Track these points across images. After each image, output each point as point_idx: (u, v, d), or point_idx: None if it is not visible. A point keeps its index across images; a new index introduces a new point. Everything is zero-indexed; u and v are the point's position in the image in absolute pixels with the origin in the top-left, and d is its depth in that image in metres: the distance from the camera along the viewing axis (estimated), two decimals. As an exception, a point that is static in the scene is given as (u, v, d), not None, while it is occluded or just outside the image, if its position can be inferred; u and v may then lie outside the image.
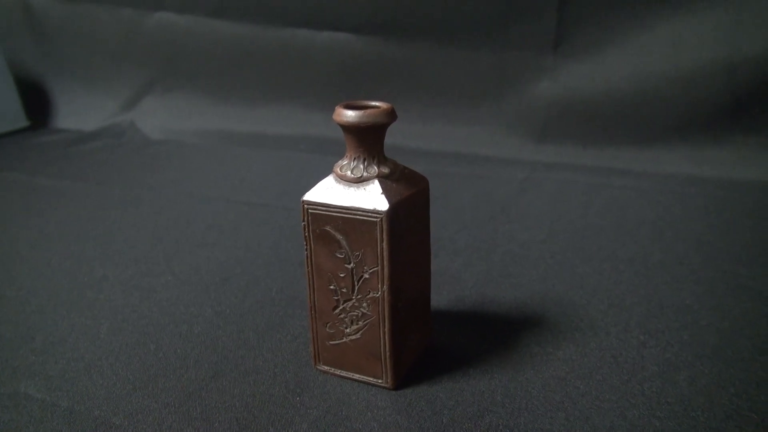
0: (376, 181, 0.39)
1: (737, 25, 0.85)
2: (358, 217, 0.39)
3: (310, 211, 0.40)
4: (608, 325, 0.50)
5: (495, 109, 1.01)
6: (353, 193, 0.39)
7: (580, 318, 0.51)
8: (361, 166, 0.40)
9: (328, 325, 0.43)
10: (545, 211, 0.75)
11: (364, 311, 0.41)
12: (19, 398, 0.43)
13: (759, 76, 0.85)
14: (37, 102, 1.30)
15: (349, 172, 0.40)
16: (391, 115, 0.39)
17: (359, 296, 0.41)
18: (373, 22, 1.03)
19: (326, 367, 0.44)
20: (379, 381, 0.43)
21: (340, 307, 0.42)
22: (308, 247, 0.41)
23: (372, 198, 0.38)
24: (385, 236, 0.38)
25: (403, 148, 0.99)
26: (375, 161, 0.40)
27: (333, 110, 0.39)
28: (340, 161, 0.41)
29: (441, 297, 0.55)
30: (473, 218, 0.74)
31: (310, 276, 0.42)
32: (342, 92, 1.08)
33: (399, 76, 1.06)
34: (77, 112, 1.28)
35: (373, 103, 0.40)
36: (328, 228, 0.40)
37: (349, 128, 0.39)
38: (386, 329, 0.41)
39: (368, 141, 0.39)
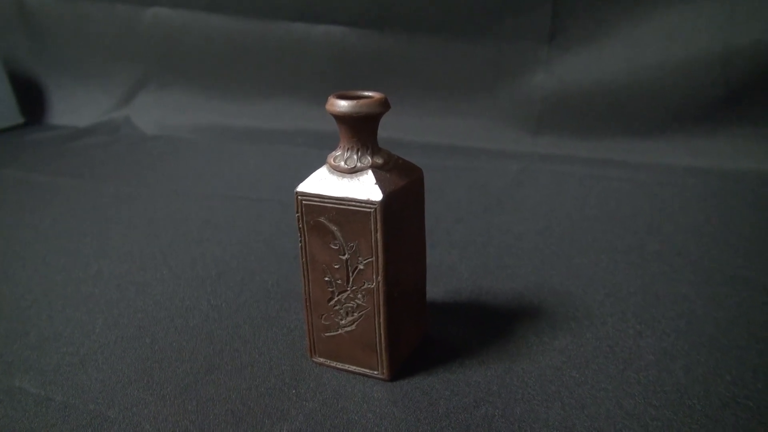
0: (370, 172, 0.39)
1: (731, 15, 0.85)
2: (352, 207, 0.39)
3: (303, 202, 0.40)
4: (604, 315, 0.50)
5: (490, 102, 1.01)
6: (347, 183, 0.39)
7: (576, 308, 0.51)
8: (355, 157, 0.39)
9: (323, 316, 0.43)
10: (541, 203, 0.75)
11: (359, 302, 0.41)
12: (14, 393, 0.43)
13: (753, 66, 0.85)
14: (31, 98, 1.29)
15: (342, 163, 0.39)
16: (384, 105, 0.39)
17: (354, 287, 0.41)
18: (369, 15, 1.03)
19: (322, 359, 0.44)
20: (375, 372, 0.43)
21: (335, 299, 0.42)
22: (302, 238, 0.41)
23: (366, 188, 0.38)
24: (379, 227, 0.38)
25: (398, 140, 0.99)
26: (369, 152, 0.40)
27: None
28: (333, 152, 0.41)
29: (437, 289, 0.55)
30: (469, 210, 0.73)
31: (305, 268, 0.42)
32: (338, 86, 1.08)
33: (395, 69, 1.05)
34: (72, 108, 1.28)
35: (366, 93, 0.40)
36: (322, 219, 0.40)
37: (342, 118, 0.38)
38: (381, 320, 0.41)
39: (362, 131, 0.39)
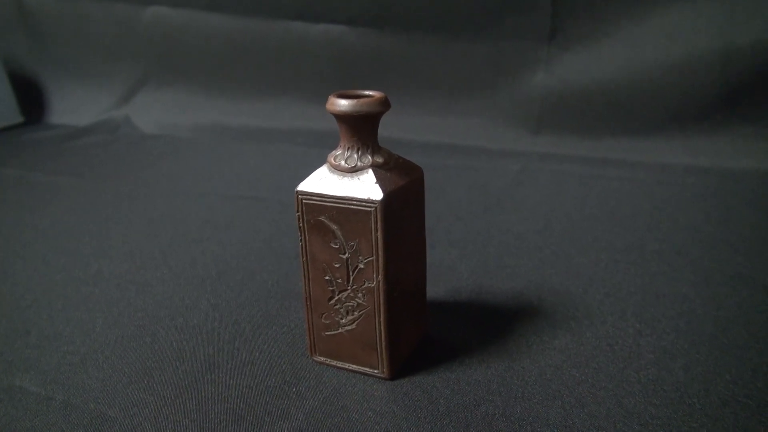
0: (370, 171, 0.39)
1: (731, 14, 0.85)
2: (352, 206, 0.39)
3: (304, 201, 0.40)
4: (604, 314, 0.50)
5: (490, 101, 1.01)
6: (347, 182, 0.39)
7: (576, 307, 0.51)
8: (355, 156, 0.39)
9: (323, 315, 0.43)
10: (541, 202, 0.75)
11: (360, 301, 0.41)
12: (14, 392, 0.43)
13: (753, 65, 0.85)
14: (31, 98, 1.29)
15: (343, 162, 0.40)
16: (384, 104, 0.39)
17: (354, 286, 0.41)
18: (368, 14, 1.03)
19: (322, 358, 0.44)
20: (375, 371, 0.43)
21: (336, 298, 0.42)
22: (303, 237, 0.41)
23: (366, 187, 0.38)
24: (379, 226, 0.38)
25: (398, 140, 0.99)
26: (369, 151, 0.40)
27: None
28: (333, 151, 0.41)
29: (437, 288, 0.55)
30: (469, 210, 0.74)
31: (305, 267, 0.42)
32: (337, 85, 1.08)
33: (394, 69, 1.05)
34: (71, 107, 1.27)
35: (367, 93, 0.40)
36: (322, 218, 0.40)
37: (342, 117, 0.38)
38: (382, 319, 0.41)
39: (362, 130, 0.39)
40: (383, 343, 0.41)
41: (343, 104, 0.38)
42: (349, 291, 0.41)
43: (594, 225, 0.68)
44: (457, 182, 0.83)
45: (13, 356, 0.47)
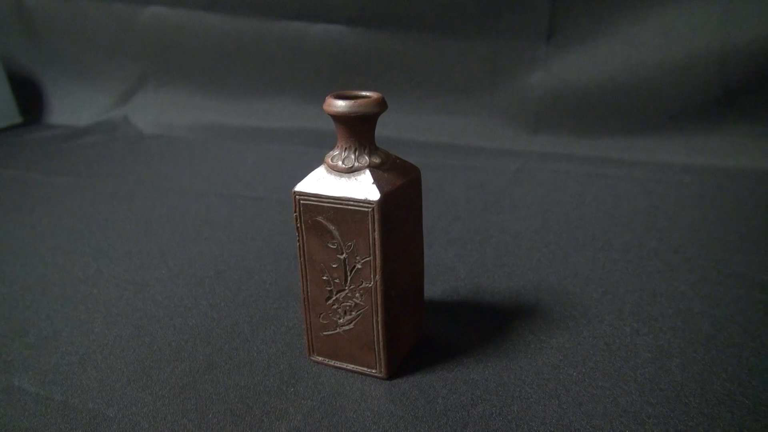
0: (368, 171, 0.39)
1: (728, 14, 0.85)
2: (349, 207, 0.39)
3: (301, 201, 0.40)
4: (602, 313, 0.50)
5: (488, 100, 1.01)
6: (344, 183, 0.39)
7: (573, 306, 0.51)
8: (352, 156, 0.40)
9: (321, 315, 0.43)
10: (539, 202, 0.75)
11: (357, 301, 0.41)
12: (13, 392, 0.43)
13: (750, 64, 0.85)
14: (30, 98, 1.29)
15: (340, 163, 0.40)
16: (381, 105, 0.39)
17: (352, 286, 0.41)
18: (367, 14, 1.03)
19: (320, 358, 0.45)
20: (373, 371, 0.43)
21: (333, 298, 0.42)
22: (300, 238, 0.41)
23: (363, 188, 0.38)
24: (376, 226, 0.38)
25: (396, 139, 0.99)
26: (366, 151, 0.40)
27: (325, 102, 0.39)
28: (331, 152, 0.41)
29: (435, 287, 0.55)
30: (467, 209, 0.74)
31: (303, 267, 0.42)
32: (335, 85, 1.08)
33: (392, 68, 1.05)
34: (70, 107, 1.27)
35: (364, 93, 0.40)
36: (319, 218, 0.40)
37: (339, 118, 0.39)
38: (379, 319, 0.41)
39: (359, 131, 0.39)
40: (381, 343, 0.42)
41: (340, 105, 0.38)
42: (346, 291, 0.41)
43: (592, 224, 0.68)
44: (456, 181, 0.84)
45: (12, 356, 0.47)
